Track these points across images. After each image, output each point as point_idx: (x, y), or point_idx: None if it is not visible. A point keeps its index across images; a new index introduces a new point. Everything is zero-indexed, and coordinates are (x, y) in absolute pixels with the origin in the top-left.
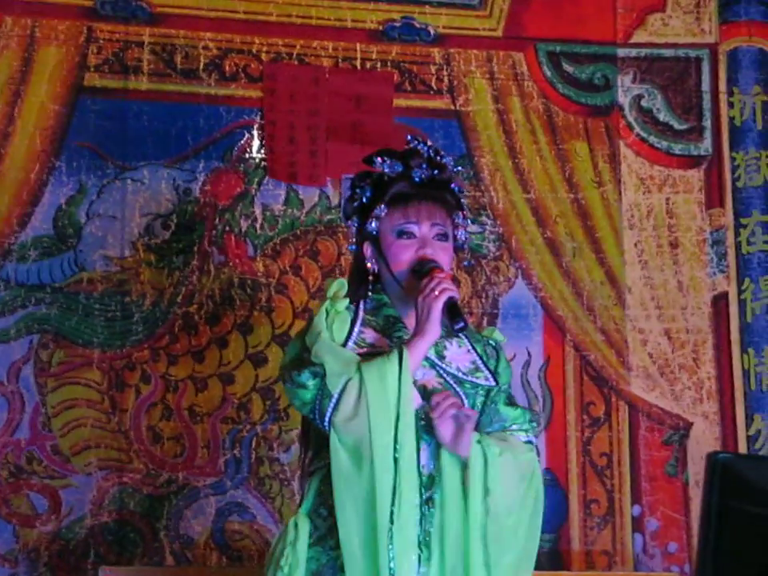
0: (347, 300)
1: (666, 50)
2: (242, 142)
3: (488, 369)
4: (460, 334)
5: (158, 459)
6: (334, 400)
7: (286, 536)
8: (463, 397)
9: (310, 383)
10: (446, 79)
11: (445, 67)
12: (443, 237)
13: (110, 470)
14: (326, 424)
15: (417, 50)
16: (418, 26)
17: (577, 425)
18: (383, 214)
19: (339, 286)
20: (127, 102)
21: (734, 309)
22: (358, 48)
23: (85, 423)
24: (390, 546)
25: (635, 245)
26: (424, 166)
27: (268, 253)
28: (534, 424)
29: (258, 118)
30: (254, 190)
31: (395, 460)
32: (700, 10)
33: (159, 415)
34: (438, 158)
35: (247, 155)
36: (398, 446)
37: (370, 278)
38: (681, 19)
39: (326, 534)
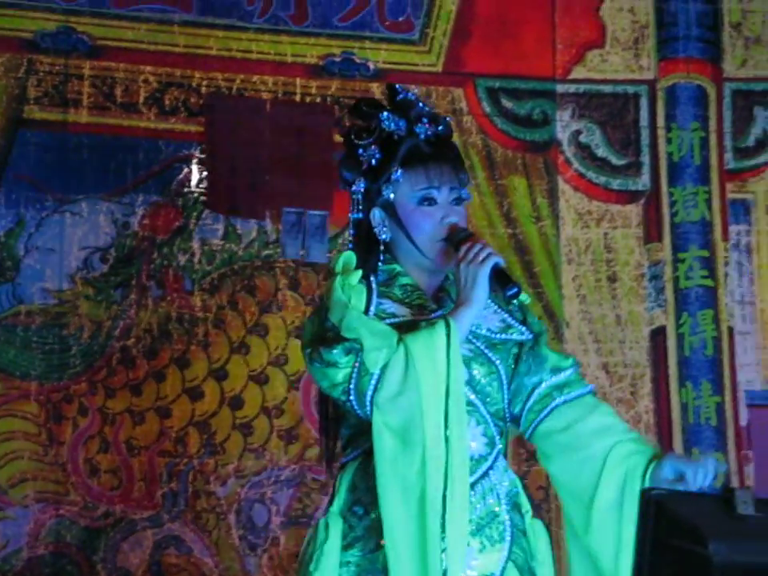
0: (359, 272)
1: (605, 85)
2: (181, 176)
3: (519, 322)
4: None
5: (96, 492)
6: (375, 377)
7: (315, 538)
8: (496, 362)
9: (343, 360)
10: None
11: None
12: (459, 201)
13: (47, 503)
14: (366, 404)
15: (356, 85)
16: (357, 61)
17: (514, 458)
18: (400, 178)
19: (348, 258)
20: (67, 135)
21: (671, 343)
22: (297, 83)
23: (22, 455)
24: (443, 535)
25: (573, 279)
26: (425, 120)
27: (206, 287)
28: (580, 369)
29: (197, 152)
30: (192, 225)
31: (446, 439)
32: (639, 47)
33: (96, 448)
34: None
35: (186, 189)
36: (448, 424)
37: (381, 247)
38: (620, 55)
39: (364, 535)
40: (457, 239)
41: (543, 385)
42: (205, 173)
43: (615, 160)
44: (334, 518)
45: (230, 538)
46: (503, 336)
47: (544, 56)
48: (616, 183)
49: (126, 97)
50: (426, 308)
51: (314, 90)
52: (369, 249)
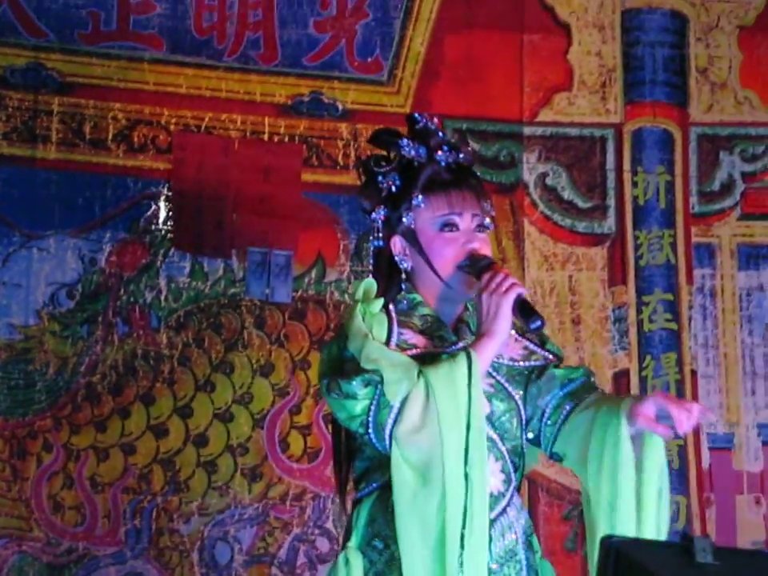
0: (381, 300)
1: (572, 128)
2: (149, 213)
3: (540, 347)
4: None
5: (59, 528)
6: (395, 410)
7: (335, 574)
8: (516, 397)
9: (362, 392)
10: (352, 154)
11: (352, 143)
12: (482, 228)
13: (9, 539)
14: (385, 438)
15: (324, 124)
16: (326, 101)
17: None
18: (421, 204)
19: (369, 286)
20: (35, 171)
21: (634, 385)
22: (266, 122)
23: None
24: (461, 574)
25: None
26: (445, 147)
27: (172, 325)
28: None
29: (165, 190)
30: (159, 262)
31: (465, 476)
32: (605, 90)
33: (60, 484)
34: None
35: (153, 227)
36: (468, 460)
37: (403, 276)
38: (586, 99)
39: (384, 570)
40: (478, 267)
41: (555, 399)
42: (171, 211)
43: (581, 203)
44: (354, 553)
45: None
46: (526, 364)
47: (511, 98)
48: (581, 226)
49: (94, 133)
50: (446, 339)
51: (282, 129)
52: (389, 277)
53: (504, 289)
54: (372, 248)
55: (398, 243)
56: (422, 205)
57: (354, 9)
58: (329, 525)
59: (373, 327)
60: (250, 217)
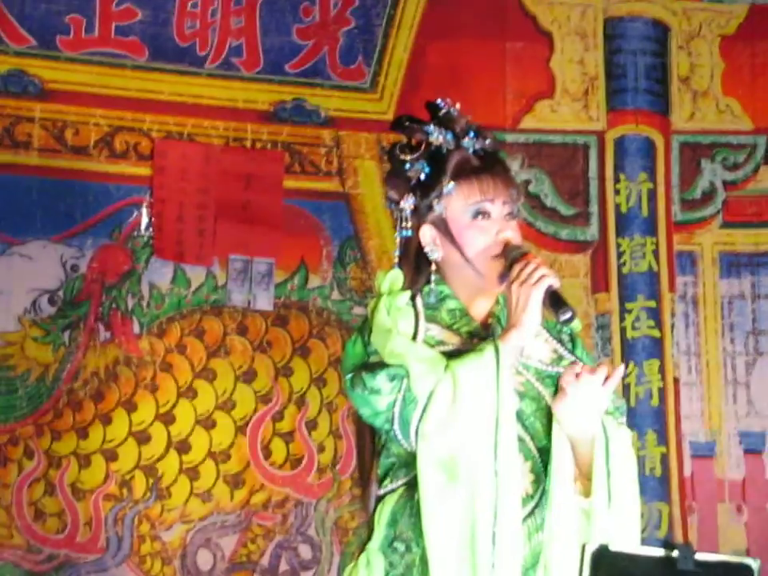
0: (408, 293)
1: (555, 136)
2: (131, 219)
3: (570, 353)
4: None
5: (40, 535)
6: (420, 405)
7: None
8: (546, 397)
9: (386, 387)
10: (335, 161)
11: (334, 149)
12: (512, 215)
13: None
14: (410, 434)
15: (307, 131)
16: (308, 107)
17: None
18: (452, 191)
19: (395, 277)
20: (16, 177)
21: (617, 393)
22: (248, 128)
23: None
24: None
25: None
26: (471, 134)
27: (154, 331)
28: (623, 406)
29: (147, 196)
30: (141, 268)
31: (495, 473)
32: (588, 98)
33: (42, 491)
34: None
35: (135, 233)
36: (498, 456)
37: (432, 267)
38: (569, 106)
39: (405, 574)
40: (511, 257)
41: None
42: (153, 217)
43: (564, 210)
44: (375, 554)
45: None
46: (554, 368)
47: (494, 106)
48: (564, 233)
49: (76, 140)
50: (475, 335)
51: (264, 136)
52: (417, 268)
53: (534, 279)
54: (399, 238)
55: (427, 233)
56: (453, 192)
57: (337, 16)
58: (311, 532)
59: (398, 321)
60: (232, 224)
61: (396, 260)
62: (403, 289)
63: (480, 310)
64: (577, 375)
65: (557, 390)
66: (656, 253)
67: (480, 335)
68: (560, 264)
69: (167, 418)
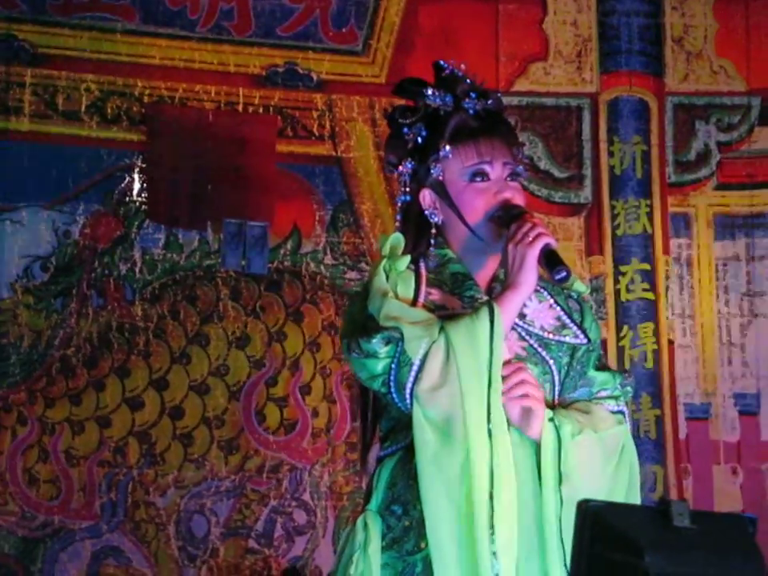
0: (408, 258)
1: (548, 98)
2: (123, 185)
3: (576, 324)
4: (540, 288)
5: (34, 502)
6: (415, 368)
7: (353, 538)
8: (550, 362)
9: (382, 350)
10: (327, 125)
11: (327, 113)
12: (514, 176)
13: None
14: (406, 396)
15: (299, 95)
16: (301, 71)
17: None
18: (449, 154)
19: (396, 241)
20: (7, 143)
21: (612, 356)
22: (240, 92)
23: None
24: (492, 536)
25: None
26: (473, 95)
27: (146, 297)
28: (628, 389)
29: (139, 162)
30: (133, 234)
31: (489, 433)
32: (581, 60)
33: (35, 458)
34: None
35: (127, 198)
36: (491, 417)
37: (433, 231)
38: (562, 68)
39: (402, 537)
40: (508, 217)
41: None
42: (145, 182)
43: (557, 173)
44: (373, 516)
45: (168, 549)
46: (556, 338)
47: (487, 68)
48: (558, 196)
49: (67, 105)
50: (477, 300)
51: (256, 101)
52: (419, 232)
53: (530, 239)
54: (399, 203)
55: (427, 196)
56: (450, 155)
57: None
58: (306, 497)
59: (398, 285)
60: (225, 188)
61: (397, 224)
62: (405, 253)
63: (484, 273)
64: None
65: (561, 357)
66: (650, 215)
67: (482, 300)
68: (554, 227)
69: (160, 384)
